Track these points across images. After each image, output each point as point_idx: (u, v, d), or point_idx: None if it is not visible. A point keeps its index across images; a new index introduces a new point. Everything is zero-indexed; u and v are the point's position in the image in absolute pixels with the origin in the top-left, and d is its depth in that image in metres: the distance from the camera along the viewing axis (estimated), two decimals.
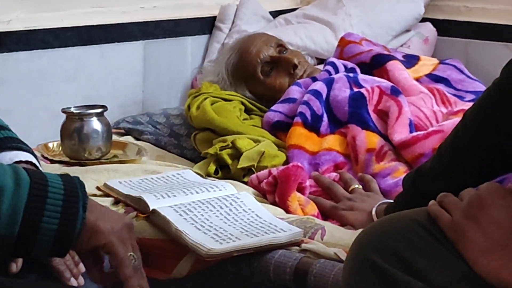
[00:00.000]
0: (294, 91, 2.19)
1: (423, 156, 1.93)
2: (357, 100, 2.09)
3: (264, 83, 2.28)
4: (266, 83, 2.28)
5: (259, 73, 2.28)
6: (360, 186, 1.89)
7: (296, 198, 1.83)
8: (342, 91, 2.12)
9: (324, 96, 2.13)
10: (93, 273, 1.30)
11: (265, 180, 1.88)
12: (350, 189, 1.89)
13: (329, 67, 2.27)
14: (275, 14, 2.87)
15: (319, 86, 2.15)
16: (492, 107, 1.42)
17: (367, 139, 2.01)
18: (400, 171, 1.94)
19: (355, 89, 2.14)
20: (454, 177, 1.48)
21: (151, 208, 1.72)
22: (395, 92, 2.11)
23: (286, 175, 1.83)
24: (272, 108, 2.19)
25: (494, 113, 1.41)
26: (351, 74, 2.21)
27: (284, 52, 2.31)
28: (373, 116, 2.08)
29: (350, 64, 2.30)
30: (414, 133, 2.00)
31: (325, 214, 1.85)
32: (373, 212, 1.75)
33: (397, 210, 1.40)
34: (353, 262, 1.21)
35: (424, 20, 2.89)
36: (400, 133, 2.01)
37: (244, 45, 2.34)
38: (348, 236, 1.64)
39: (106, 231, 1.25)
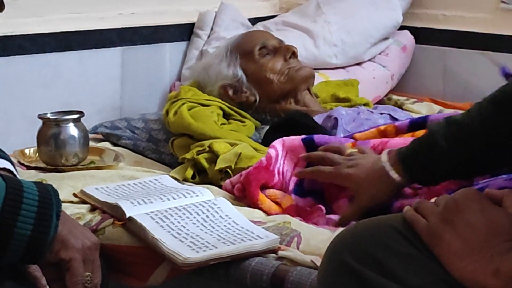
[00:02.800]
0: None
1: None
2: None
3: (257, 62, 2.35)
4: (259, 63, 2.35)
5: (256, 51, 2.36)
6: (355, 150, 1.80)
7: (265, 199, 1.81)
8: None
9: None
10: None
11: (236, 186, 1.87)
12: (345, 155, 1.78)
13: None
14: (254, 21, 2.87)
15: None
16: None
17: None
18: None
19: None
20: (492, 131, 1.49)
21: (127, 215, 1.70)
22: None
23: (247, 181, 1.82)
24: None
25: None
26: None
27: None
28: None
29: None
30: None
31: (328, 180, 1.76)
32: (384, 156, 1.65)
33: (410, 153, 1.55)
34: (328, 265, 1.21)
35: (402, 28, 2.90)
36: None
37: (250, 30, 2.57)
38: (324, 244, 1.62)
39: (75, 247, 1.26)
